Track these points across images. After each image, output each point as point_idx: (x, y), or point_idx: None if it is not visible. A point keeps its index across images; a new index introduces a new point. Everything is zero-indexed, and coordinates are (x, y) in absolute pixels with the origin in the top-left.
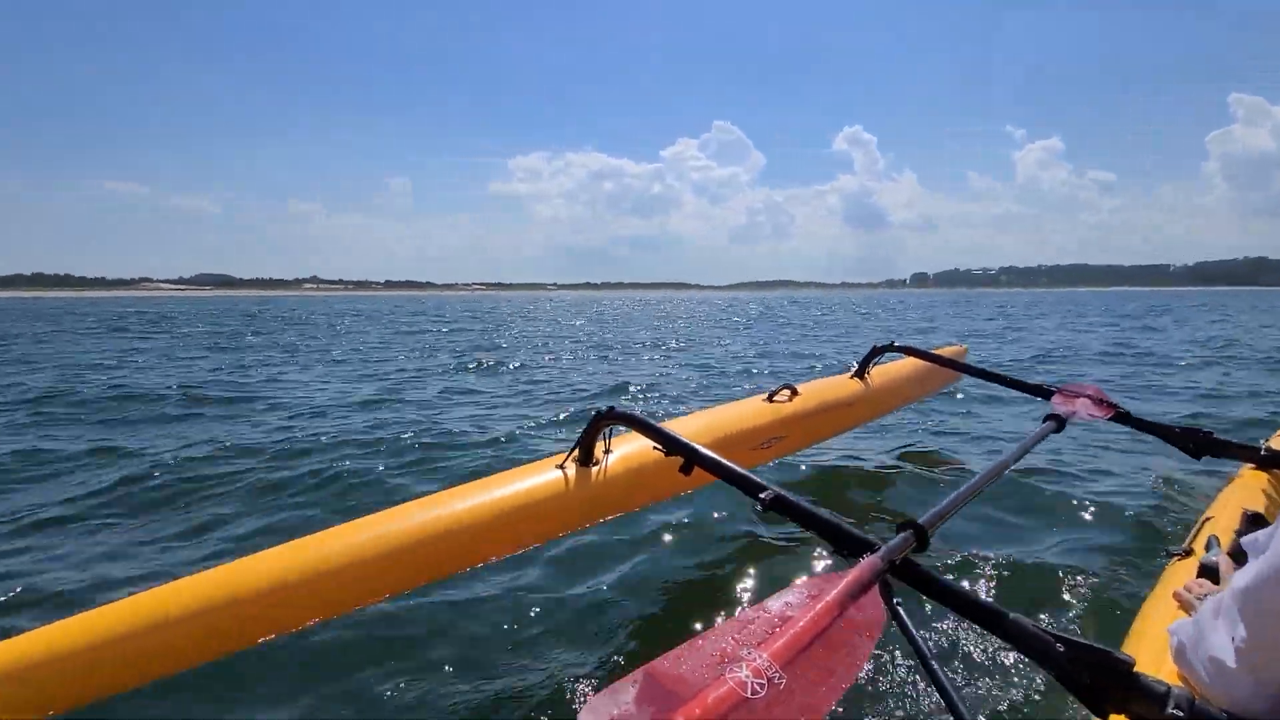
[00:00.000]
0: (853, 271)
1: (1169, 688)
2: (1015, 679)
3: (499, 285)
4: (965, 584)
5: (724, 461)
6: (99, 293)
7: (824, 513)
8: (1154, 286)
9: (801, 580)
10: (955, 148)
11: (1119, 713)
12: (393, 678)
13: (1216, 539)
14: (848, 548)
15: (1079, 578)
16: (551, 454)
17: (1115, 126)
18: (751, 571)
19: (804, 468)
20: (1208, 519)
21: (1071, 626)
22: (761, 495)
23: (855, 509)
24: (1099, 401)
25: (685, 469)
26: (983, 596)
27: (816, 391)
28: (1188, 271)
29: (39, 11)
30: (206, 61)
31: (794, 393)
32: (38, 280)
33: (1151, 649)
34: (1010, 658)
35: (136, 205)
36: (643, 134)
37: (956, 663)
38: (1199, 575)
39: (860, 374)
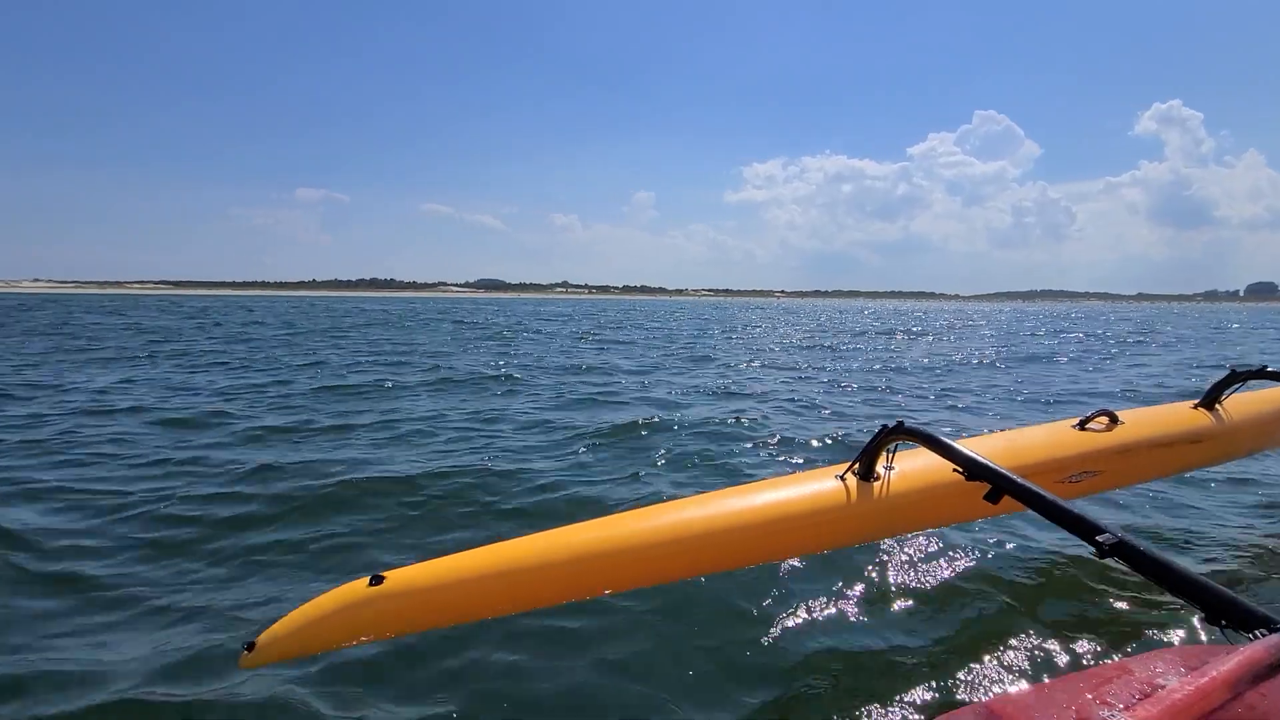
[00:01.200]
0: (1156, 280)
1: None
2: None
3: (726, 291)
4: None
5: (1045, 494)
6: (411, 294)
7: (1181, 566)
8: None
9: (1173, 647)
10: None
11: None
12: (673, 660)
13: None
14: (1230, 618)
15: None
16: (830, 464)
17: None
18: (1074, 617)
19: (1123, 512)
20: None
21: None
22: (1099, 538)
23: (1210, 574)
24: None
25: (992, 497)
26: None
27: (1144, 421)
28: None
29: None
30: (489, 91)
31: (1113, 420)
32: (372, 283)
33: None
34: None
35: (442, 222)
36: (887, 131)
37: None
38: None
39: (1209, 404)
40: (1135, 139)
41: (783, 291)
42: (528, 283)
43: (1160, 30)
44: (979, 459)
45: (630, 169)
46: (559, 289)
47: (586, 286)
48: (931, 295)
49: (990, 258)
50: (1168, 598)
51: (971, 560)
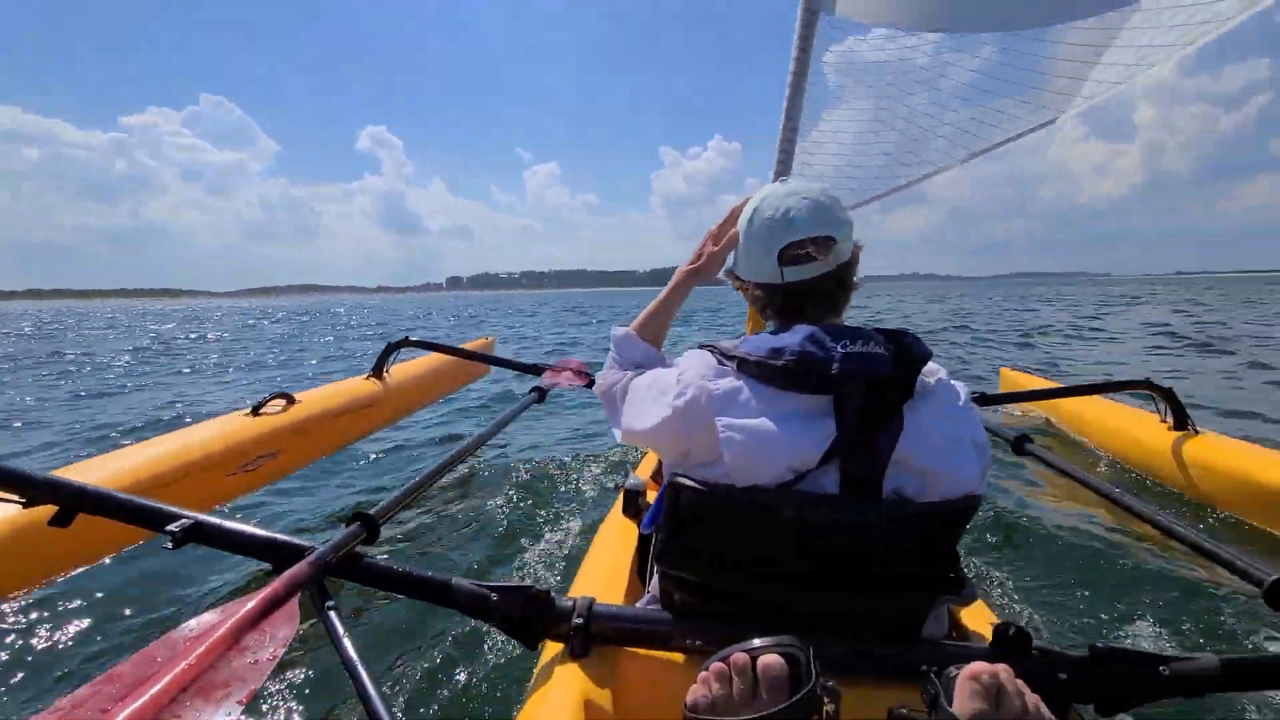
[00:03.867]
0: (392, 275)
1: (575, 602)
2: (483, 644)
3: None
4: (427, 564)
5: (115, 495)
6: None
7: (251, 529)
8: (627, 287)
9: (199, 616)
10: (478, 162)
11: (548, 637)
12: None
13: (632, 465)
14: (281, 560)
15: (549, 528)
16: None
17: (595, 157)
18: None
19: (315, 485)
20: (646, 452)
21: (551, 574)
22: (171, 528)
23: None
24: (579, 372)
25: (59, 520)
26: (433, 572)
27: (322, 397)
28: (648, 275)
29: None
30: None
31: (290, 401)
32: None
33: (593, 569)
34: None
35: None
36: (87, 90)
37: (417, 645)
38: (623, 500)
39: (378, 373)
40: (360, 153)
41: None
42: None
43: (374, 60)
44: (41, 477)
45: None
46: None
47: None
48: (180, 293)
49: (246, 251)
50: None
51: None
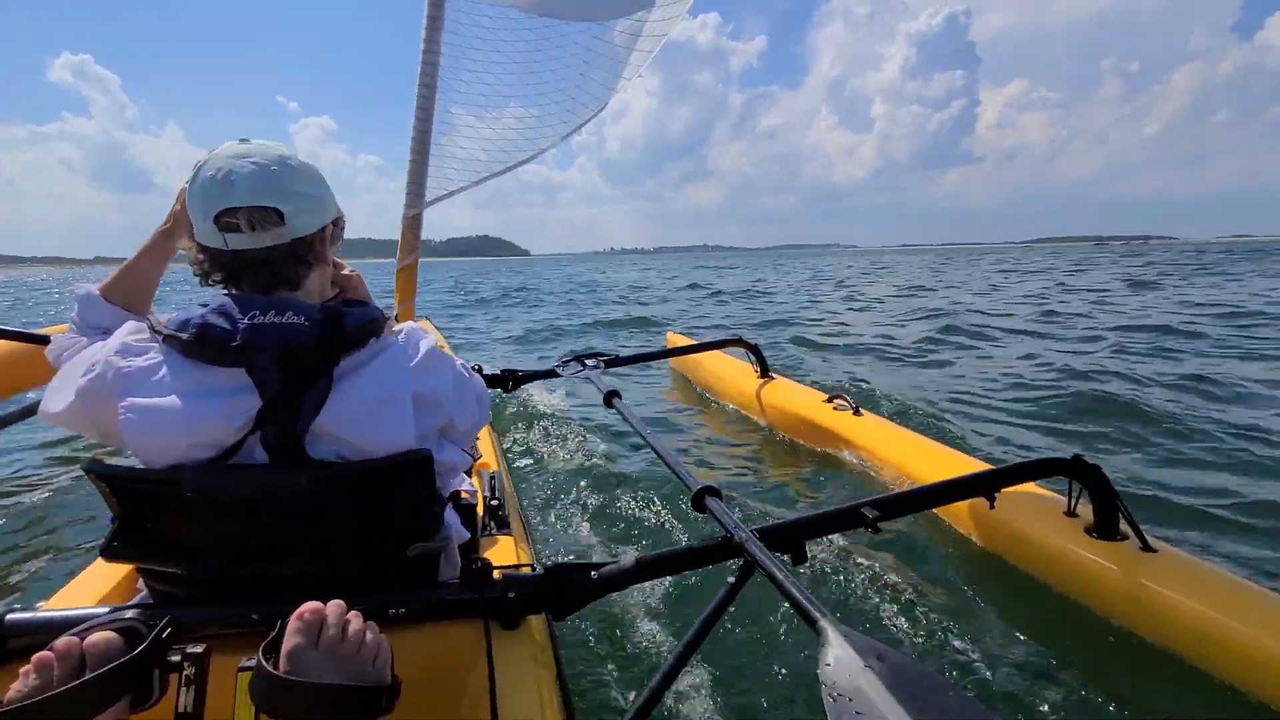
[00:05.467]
0: (119, 244)
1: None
2: None
3: None
4: None
5: None
6: None
7: None
8: (424, 258)
9: None
10: (227, 108)
11: None
12: None
13: None
14: None
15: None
16: None
17: (378, 113)
18: None
19: None
20: None
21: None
22: None
23: None
24: None
25: None
26: None
27: None
28: (444, 245)
29: None
30: None
31: None
32: None
33: (94, 573)
34: None
35: None
36: None
37: None
38: None
39: None
40: (55, 87)
41: None
42: None
43: None
44: None
45: None
46: None
47: None
48: None
49: None
50: None
51: None
